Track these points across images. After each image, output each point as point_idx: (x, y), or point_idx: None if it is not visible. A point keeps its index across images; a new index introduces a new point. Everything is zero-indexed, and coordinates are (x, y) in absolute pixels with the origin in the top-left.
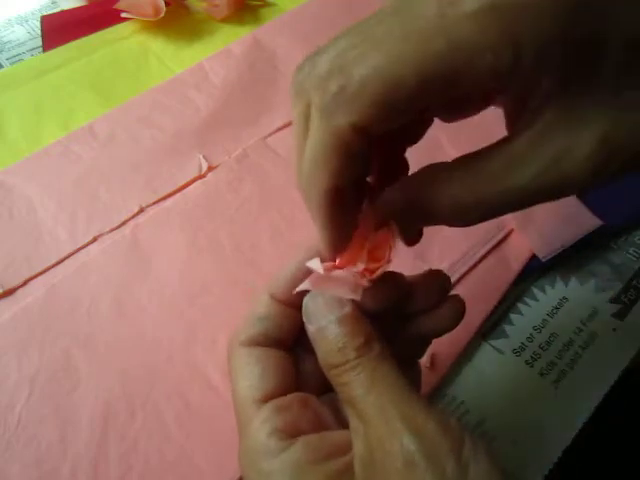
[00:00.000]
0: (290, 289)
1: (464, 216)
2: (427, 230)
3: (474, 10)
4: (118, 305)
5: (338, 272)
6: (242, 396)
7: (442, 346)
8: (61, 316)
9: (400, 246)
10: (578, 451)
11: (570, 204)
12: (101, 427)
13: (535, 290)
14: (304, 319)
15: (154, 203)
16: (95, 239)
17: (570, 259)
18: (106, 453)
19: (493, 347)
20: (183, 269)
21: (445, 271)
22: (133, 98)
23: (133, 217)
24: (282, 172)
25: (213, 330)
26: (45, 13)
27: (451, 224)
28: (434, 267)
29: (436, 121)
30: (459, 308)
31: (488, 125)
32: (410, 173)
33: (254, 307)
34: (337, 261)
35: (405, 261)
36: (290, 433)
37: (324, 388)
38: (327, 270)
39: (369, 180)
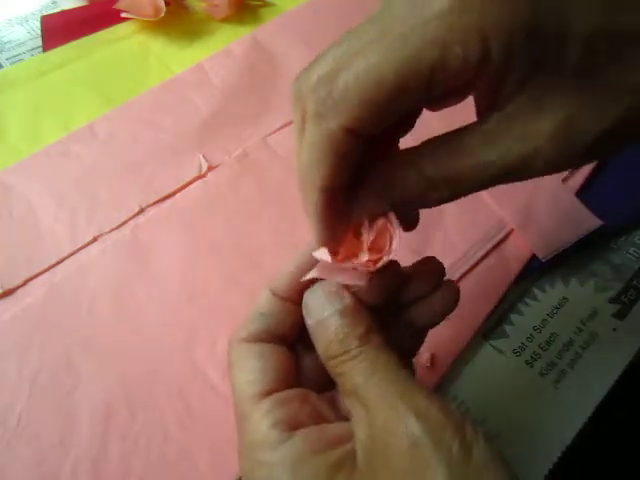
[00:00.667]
0: (291, 285)
1: (434, 193)
2: (427, 230)
3: (442, 9)
4: (118, 305)
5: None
6: (243, 390)
7: (442, 346)
8: (61, 316)
9: (400, 247)
10: (578, 451)
11: (570, 204)
12: (101, 427)
13: (535, 290)
14: (304, 313)
15: (154, 203)
16: (95, 239)
17: (570, 259)
18: (106, 453)
19: (493, 347)
20: (183, 269)
21: (445, 271)
22: (133, 98)
23: (133, 217)
24: (282, 172)
25: (213, 330)
26: (45, 13)
27: (424, 203)
28: None
29: (435, 115)
30: (453, 294)
31: None
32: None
33: (256, 303)
34: (339, 256)
35: (405, 261)
36: (291, 425)
37: (324, 386)
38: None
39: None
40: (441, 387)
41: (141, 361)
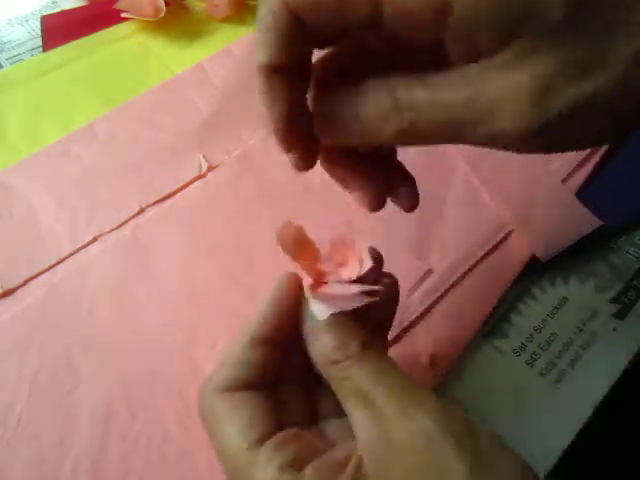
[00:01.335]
0: (267, 328)
1: (396, 117)
2: (427, 230)
3: None
4: (118, 305)
5: (330, 290)
6: (234, 443)
7: (442, 346)
8: (61, 316)
9: (400, 247)
10: (578, 451)
11: (570, 204)
12: (102, 427)
13: (535, 290)
14: (303, 318)
15: (154, 203)
16: (95, 239)
17: (570, 259)
18: (106, 453)
19: (493, 347)
20: (183, 269)
21: (445, 271)
22: (133, 98)
23: (133, 217)
24: (282, 172)
25: (213, 330)
26: (45, 13)
27: (383, 128)
28: (434, 267)
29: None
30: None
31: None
32: (416, 184)
33: (231, 351)
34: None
35: (405, 261)
36: (298, 464)
37: (308, 420)
38: (317, 289)
39: None
40: (441, 387)
41: (141, 361)
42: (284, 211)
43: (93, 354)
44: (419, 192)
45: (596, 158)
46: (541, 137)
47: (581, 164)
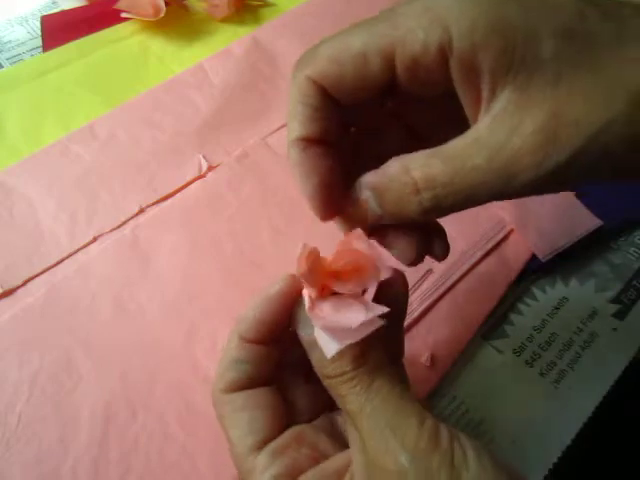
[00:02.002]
0: (259, 329)
1: (416, 196)
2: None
3: (412, 4)
4: (118, 305)
5: (334, 305)
6: (237, 446)
7: (442, 346)
8: (61, 316)
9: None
10: (578, 451)
11: (570, 204)
12: (102, 427)
13: (535, 290)
14: (297, 328)
15: (154, 203)
16: (95, 239)
17: (570, 259)
18: (107, 453)
19: (493, 347)
20: (183, 269)
21: (445, 271)
22: (133, 98)
23: (133, 217)
24: (282, 172)
25: (213, 330)
26: (45, 13)
27: (405, 207)
28: (434, 267)
29: None
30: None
31: None
32: (446, 235)
33: (227, 350)
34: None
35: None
36: (291, 476)
37: (318, 409)
38: (319, 302)
39: None
40: (441, 387)
41: (141, 361)
42: (284, 211)
43: (93, 354)
44: None
45: None
46: (564, 176)
47: None
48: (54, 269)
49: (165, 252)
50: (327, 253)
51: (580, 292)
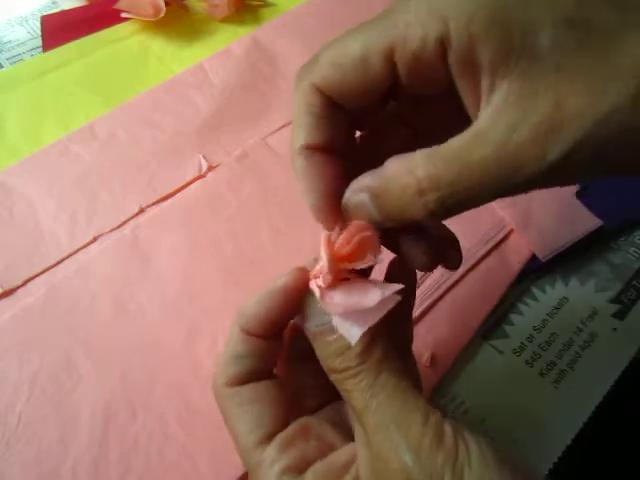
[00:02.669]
0: (262, 323)
1: (422, 197)
2: None
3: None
4: (118, 305)
5: (347, 291)
6: (243, 441)
7: (442, 346)
8: (61, 316)
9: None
10: (578, 451)
11: (570, 204)
12: (102, 427)
13: (535, 290)
14: (303, 320)
15: (154, 203)
16: (95, 239)
17: (570, 259)
18: (107, 453)
19: (493, 347)
20: (183, 269)
21: (445, 271)
22: (133, 98)
23: (133, 217)
24: (282, 172)
25: (213, 330)
26: (45, 13)
27: (410, 210)
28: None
29: None
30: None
31: None
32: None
33: (228, 343)
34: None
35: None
36: (298, 468)
37: (324, 400)
38: (331, 289)
39: None
40: (441, 387)
41: (141, 361)
42: (284, 211)
43: (93, 354)
44: None
45: None
46: (569, 167)
47: None
48: (54, 269)
49: (165, 252)
50: None
51: (580, 292)
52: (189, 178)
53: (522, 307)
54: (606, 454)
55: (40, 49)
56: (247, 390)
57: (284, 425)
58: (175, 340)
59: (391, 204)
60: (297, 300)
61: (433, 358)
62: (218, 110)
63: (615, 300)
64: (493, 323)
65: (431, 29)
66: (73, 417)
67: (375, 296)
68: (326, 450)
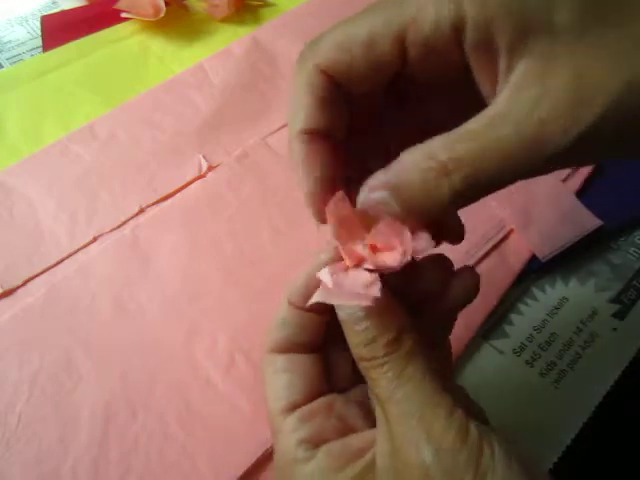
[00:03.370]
0: (304, 296)
1: (445, 179)
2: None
3: None
4: (118, 305)
5: (347, 279)
6: (272, 405)
7: None
8: (61, 316)
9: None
10: (578, 451)
11: (570, 204)
12: (101, 427)
13: (535, 290)
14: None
15: (154, 203)
16: (95, 239)
17: (570, 259)
18: (107, 453)
19: (493, 347)
20: (183, 269)
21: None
22: (133, 98)
23: (133, 217)
24: (282, 172)
25: (213, 330)
26: (45, 13)
27: (434, 194)
28: None
29: None
30: (473, 279)
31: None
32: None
33: (278, 311)
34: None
35: None
36: (314, 442)
37: (355, 380)
38: (339, 271)
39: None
40: None
41: (141, 361)
42: (284, 211)
43: (93, 354)
44: None
45: None
46: (593, 142)
47: None
48: (54, 269)
49: (165, 252)
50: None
51: (580, 292)
52: (189, 178)
53: (522, 307)
54: (606, 454)
55: (40, 49)
56: (283, 359)
57: (310, 399)
58: (175, 340)
59: (413, 194)
60: None
61: None
62: (218, 110)
63: (615, 300)
64: (493, 323)
65: (445, 11)
66: (73, 417)
67: (397, 257)
68: (346, 431)
